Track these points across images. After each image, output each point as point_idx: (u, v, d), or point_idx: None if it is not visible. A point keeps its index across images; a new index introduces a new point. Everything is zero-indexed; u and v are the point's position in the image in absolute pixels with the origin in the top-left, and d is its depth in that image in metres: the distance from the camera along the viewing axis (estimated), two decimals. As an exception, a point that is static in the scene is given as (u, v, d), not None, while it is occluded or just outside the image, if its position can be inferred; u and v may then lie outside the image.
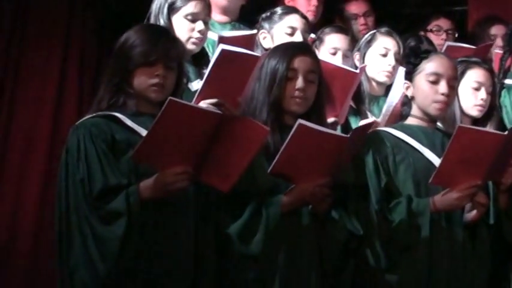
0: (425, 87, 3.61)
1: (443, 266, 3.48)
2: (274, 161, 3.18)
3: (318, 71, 3.46)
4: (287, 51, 3.45)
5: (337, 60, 4.39)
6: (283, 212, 3.28)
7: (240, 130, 3.09)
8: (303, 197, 3.29)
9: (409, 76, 3.66)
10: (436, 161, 3.51)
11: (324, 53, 4.42)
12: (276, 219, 3.27)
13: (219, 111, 3.12)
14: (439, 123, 3.75)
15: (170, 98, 3.00)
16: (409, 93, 3.66)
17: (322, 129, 3.22)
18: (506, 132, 3.45)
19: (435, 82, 3.60)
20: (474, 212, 3.52)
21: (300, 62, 3.41)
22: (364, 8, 5.33)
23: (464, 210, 3.53)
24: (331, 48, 4.44)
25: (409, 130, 3.63)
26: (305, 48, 3.52)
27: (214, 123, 3.04)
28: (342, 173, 3.36)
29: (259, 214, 3.27)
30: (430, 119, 3.65)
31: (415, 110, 3.67)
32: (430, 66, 3.62)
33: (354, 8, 5.34)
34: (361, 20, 5.28)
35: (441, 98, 3.58)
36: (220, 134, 3.06)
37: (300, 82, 3.39)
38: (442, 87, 3.59)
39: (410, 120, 3.68)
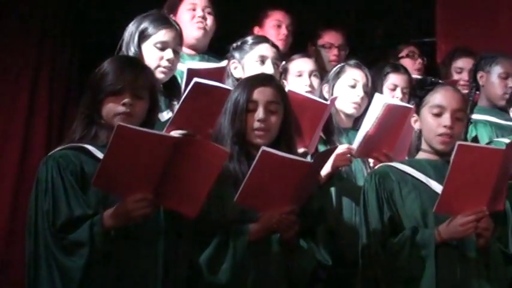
0: (429, 120, 3.53)
1: None
2: (240, 189, 3.17)
3: (282, 101, 3.48)
4: (247, 83, 3.49)
5: (304, 82, 4.41)
6: (252, 241, 3.29)
7: (199, 153, 3.06)
8: (270, 225, 3.28)
9: (417, 109, 3.60)
10: None
11: (291, 81, 4.43)
12: (244, 247, 3.27)
13: (172, 135, 3.09)
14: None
15: (118, 123, 2.99)
16: (416, 127, 3.60)
17: (285, 155, 3.21)
18: (504, 147, 3.34)
19: (438, 115, 3.52)
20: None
21: (259, 94, 3.44)
22: (340, 41, 5.34)
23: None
24: (296, 72, 4.47)
25: (417, 164, 3.55)
26: (266, 80, 3.53)
27: (169, 147, 3.01)
28: (308, 200, 3.37)
29: (227, 243, 3.27)
30: (438, 152, 3.55)
31: (423, 144, 3.59)
32: (434, 98, 3.54)
33: (330, 38, 5.33)
34: (335, 51, 5.27)
35: (443, 130, 3.50)
36: (179, 158, 3.03)
37: (260, 113, 3.41)
38: (445, 119, 3.50)
39: (420, 155, 3.60)
